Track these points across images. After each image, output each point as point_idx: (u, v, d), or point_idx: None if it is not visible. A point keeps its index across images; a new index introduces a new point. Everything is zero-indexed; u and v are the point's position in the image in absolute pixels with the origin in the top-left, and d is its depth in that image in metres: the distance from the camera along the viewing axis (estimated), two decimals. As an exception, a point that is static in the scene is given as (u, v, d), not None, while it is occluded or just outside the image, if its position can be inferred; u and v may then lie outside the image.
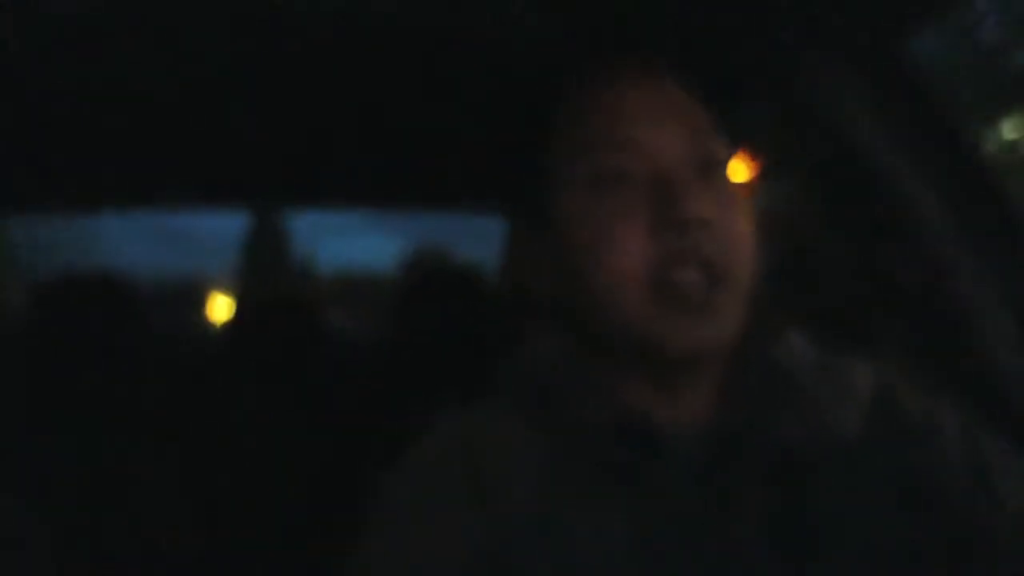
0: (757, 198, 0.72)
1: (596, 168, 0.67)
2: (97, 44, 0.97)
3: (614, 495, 0.65)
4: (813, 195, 1.02)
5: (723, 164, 0.69)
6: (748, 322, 0.71)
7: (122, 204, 2.06)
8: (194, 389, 1.59)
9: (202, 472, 1.39)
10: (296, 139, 1.49)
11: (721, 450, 0.66)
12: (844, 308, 1.02)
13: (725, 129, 0.72)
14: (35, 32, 0.91)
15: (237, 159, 1.64)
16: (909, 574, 0.64)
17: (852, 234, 1.02)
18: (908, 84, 0.96)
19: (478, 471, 0.67)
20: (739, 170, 0.72)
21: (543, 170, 0.73)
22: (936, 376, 0.91)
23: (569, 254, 0.69)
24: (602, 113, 0.69)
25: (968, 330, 0.89)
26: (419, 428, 0.73)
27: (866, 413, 0.69)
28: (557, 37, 0.93)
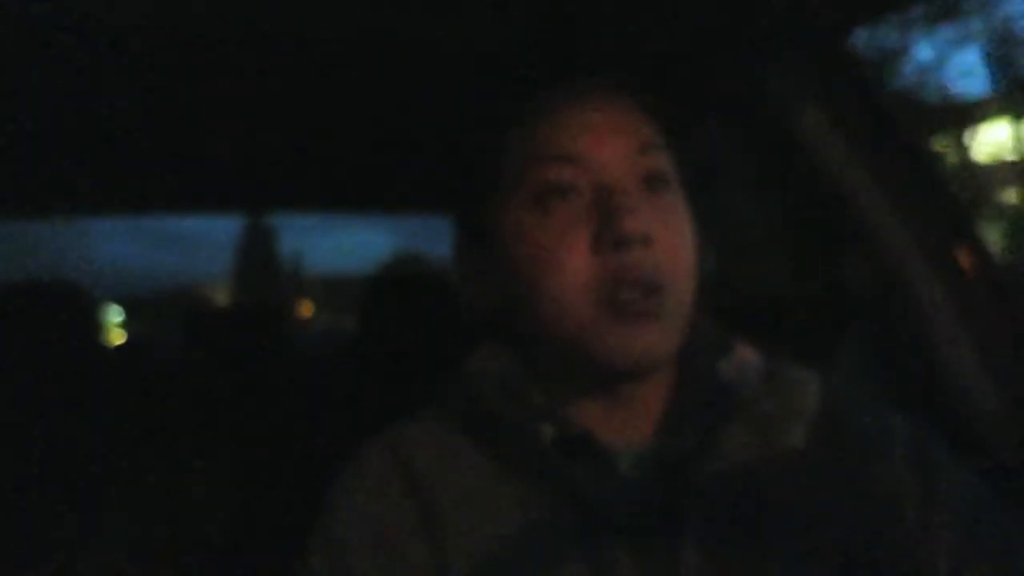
0: (710, 208, 0.70)
1: (541, 181, 0.65)
2: (94, 50, 0.94)
3: (561, 515, 0.62)
4: (767, 202, 1.00)
5: (670, 179, 0.67)
6: (695, 337, 0.68)
7: (111, 208, 2.01)
8: (149, 395, 1.53)
9: (159, 478, 1.34)
10: (285, 144, 1.45)
11: (667, 470, 0.64)
12: (796, 316, 1.00)
13: (678, 143, 0.69)
14: (32, 36, 0.88)
15: (227, 164, 1.60)
16: None
17: (805, 240, 1.00)
18: (862, 91, 0.93)
19: (418, 491, 0.65)
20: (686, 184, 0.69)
21: (489, 184, 0.71)
22: (887, 385, 0.89)
23: (512, 268, 0.67)
24: (549, 127, 0.67)
25: (920, 338, 0.87)
26: (367, 437, 0.70)
27: (813, 427, 0.67)
28: (519, 54, 0.90)
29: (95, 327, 1.47)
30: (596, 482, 0.63)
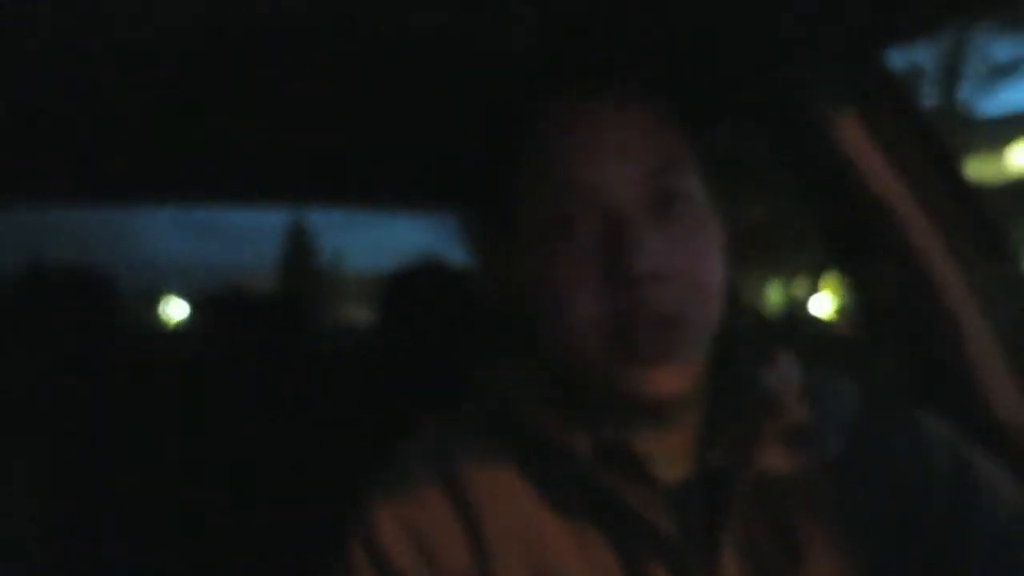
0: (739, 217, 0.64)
1: (547, 215, 0.61)
2: (132, 41, 0.90)
3: (598, 526, 0.60)
4: (797, 210, 0.95)
5: (689, 195, 0.61)
6: (734, 345, 0.64)
7: (153, 198, 1.96)
8: (164, 386, 1.47)
9: (174, 468, 1.30)
10: (323, 139, 1.40)
11: (706, 482, 0.61)
12: (830, 324, 0.95)
13: (704, 149, 0.63)
14: (71, 29, 0.85)
15: (265, 157, 1.54)
16: None
17: (838, 249, 0.94)
18: (894, 99, 0.88)
19: (459, 499, 0.61)
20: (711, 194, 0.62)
21: (505, 203, 0.66)
22: (922, 392, 0.83)
23: (528, 296, 0.63)
24: (555, 151, 0.62)
25: (954, 345, 0.82)
26: (394, 438, 0.66)
27: (852, 437, 0.63)
28: (536, 59, 0.85)
29: (110, 314, 1.39)
30: (633, 494, 0.59)
